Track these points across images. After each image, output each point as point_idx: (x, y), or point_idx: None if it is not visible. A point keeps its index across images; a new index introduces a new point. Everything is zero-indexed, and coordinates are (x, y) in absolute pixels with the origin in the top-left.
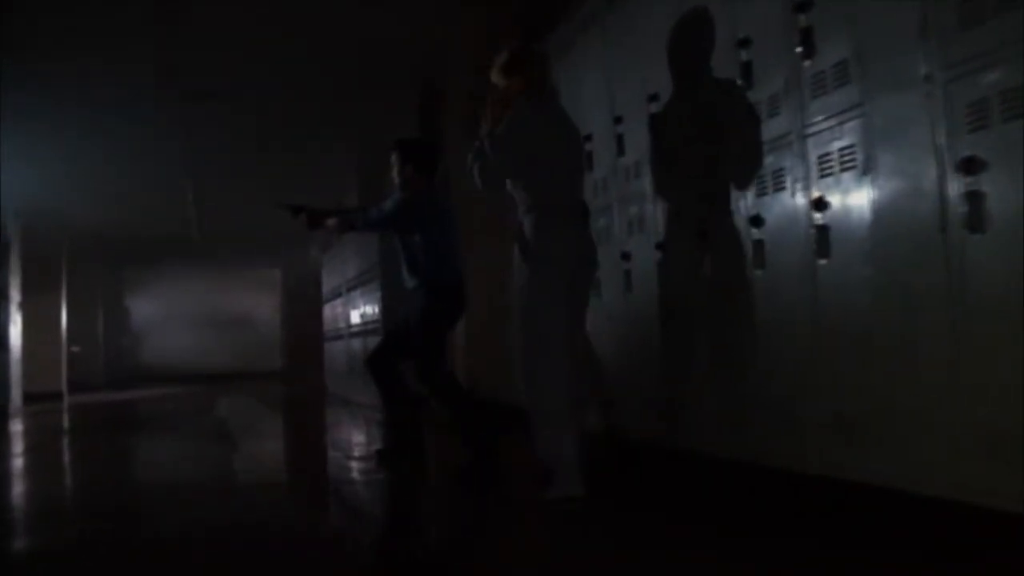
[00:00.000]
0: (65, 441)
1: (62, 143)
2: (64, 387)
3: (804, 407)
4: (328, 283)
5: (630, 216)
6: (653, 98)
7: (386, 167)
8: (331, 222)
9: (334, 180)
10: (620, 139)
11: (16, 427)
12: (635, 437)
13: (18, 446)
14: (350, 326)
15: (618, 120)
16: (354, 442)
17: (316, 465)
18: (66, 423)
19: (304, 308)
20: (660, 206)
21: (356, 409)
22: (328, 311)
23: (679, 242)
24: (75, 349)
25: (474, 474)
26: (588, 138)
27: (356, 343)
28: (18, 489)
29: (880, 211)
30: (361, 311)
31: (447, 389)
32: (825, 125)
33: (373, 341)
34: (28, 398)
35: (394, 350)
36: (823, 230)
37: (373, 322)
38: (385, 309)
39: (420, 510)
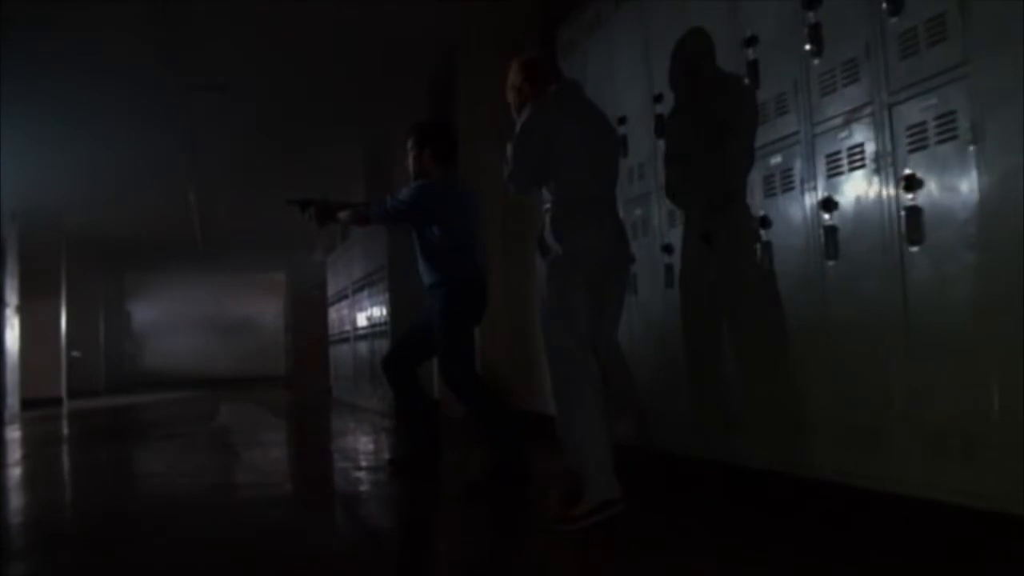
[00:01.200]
0: (62, 450)
1: (61, 142)
2: (63, 393)
3: (891, 419)
4: (333, 285)
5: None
6: (696, 72)
7: (393, 164)
8: (343, 215)
9: (339, 179)
10: (660, 119)
11: (12, 434)
12: (677, 449)
13: (14, 454)
14: (356, 329)
15: (658, 98)
16: (363, 451)
17: (324, 476)
18: (64, 430)
19: (309, 311)
20: (708, 191)
21: (363, 415)
22: (333, 314)
23: (730, 231)
24: (75, 354)
25: (494, 482)
26: (622, 121)
27: (363, 346)
28: (13, 503)
29: (990, 189)
30: (368, 313)
31: (471, 390)
32: (914, 91)
33: (381, 344)
34: (26, 404)
35: (410, 352)
36: (914, 212)
37: (381, 324)
38: (393, 311)
39: (437, 524)
